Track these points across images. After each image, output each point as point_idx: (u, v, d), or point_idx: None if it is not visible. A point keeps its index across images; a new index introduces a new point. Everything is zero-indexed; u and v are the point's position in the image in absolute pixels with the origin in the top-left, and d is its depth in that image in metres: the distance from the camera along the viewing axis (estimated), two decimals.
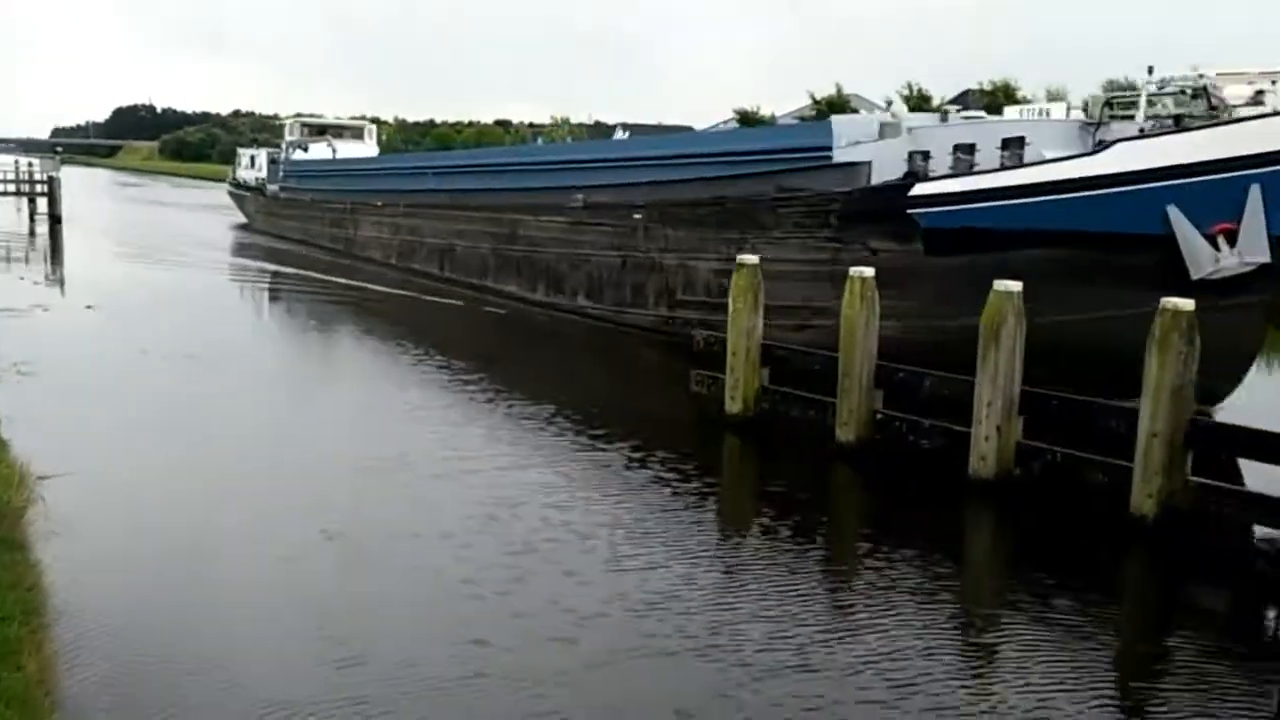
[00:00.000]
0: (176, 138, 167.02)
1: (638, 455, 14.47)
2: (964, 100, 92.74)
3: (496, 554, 10.51)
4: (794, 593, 9.87)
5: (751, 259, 15.98)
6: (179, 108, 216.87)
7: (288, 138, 54.94)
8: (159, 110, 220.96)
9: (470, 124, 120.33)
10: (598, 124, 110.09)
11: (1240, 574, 10.88)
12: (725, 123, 25.53)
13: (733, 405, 15.82)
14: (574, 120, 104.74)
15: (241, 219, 59.57)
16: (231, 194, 62.77)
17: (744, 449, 15.59)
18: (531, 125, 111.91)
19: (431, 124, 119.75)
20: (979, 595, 10.50)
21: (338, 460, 13.92)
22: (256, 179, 56.72)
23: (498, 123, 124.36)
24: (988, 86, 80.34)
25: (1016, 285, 12.67)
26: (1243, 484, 12.21)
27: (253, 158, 59.30)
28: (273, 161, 54.78)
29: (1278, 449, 10.81)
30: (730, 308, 15.89)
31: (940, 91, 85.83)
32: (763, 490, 14.13)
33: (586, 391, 19.37)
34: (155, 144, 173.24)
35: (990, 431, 12.59)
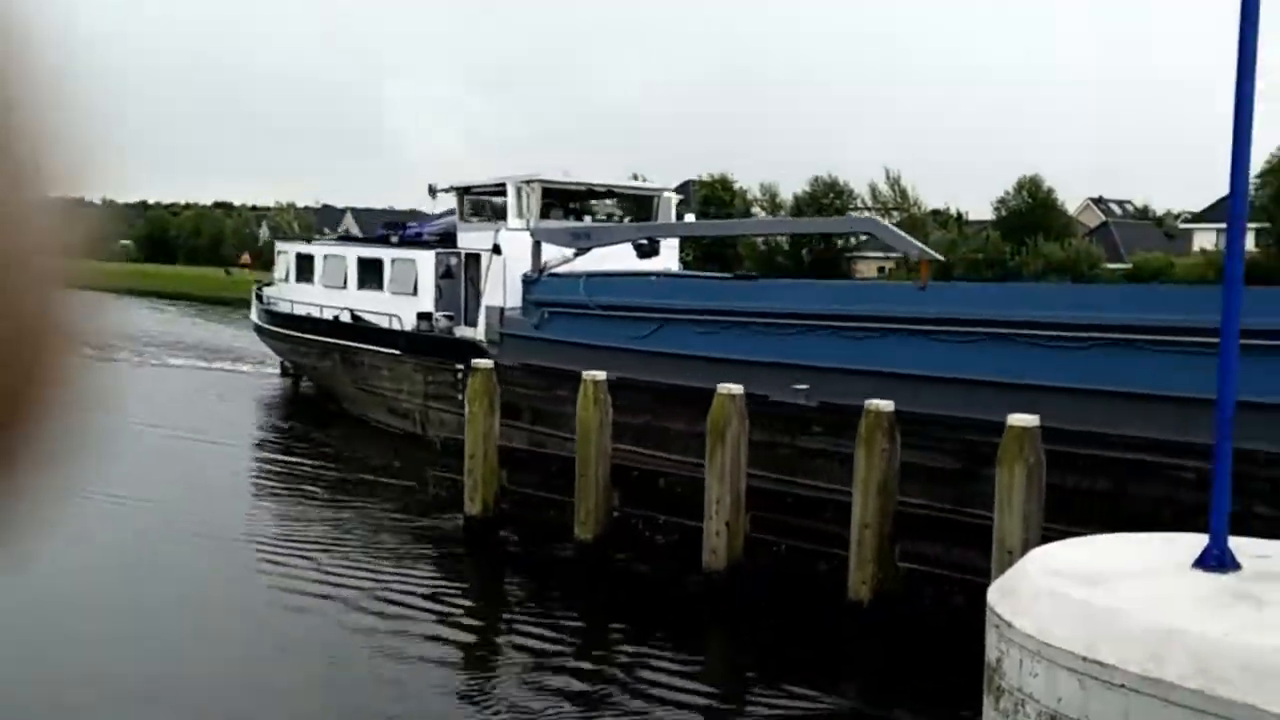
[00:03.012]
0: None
1: (375, 559, 14.23)
2: (685, 190, 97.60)
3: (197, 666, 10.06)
4: (526, 687, 9.97)
5: (486, 363, 16.17)
6: None
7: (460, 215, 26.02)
8: None
9: (188, 206, 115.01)
10: (325, 207, 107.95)
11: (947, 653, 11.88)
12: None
13: (472, 507, 15.84)
14: (299, 204, 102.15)
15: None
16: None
17: (481, 551, 15.60)
18: (255, 208, 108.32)
19: (145, 205, 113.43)
20: (713, 678, 10.98)
21: None
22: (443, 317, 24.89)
23: (217, 205, 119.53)
24: (707, 178, 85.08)
25: (739, 388, 13.46)
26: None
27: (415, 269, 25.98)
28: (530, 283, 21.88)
29: (975, 533, 11.85)
30: (467, 411, 15.98)
31: (665, 182, 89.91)
32: (495, 591, 14.21)
33: (331, 494, 18.86)
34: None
35: (720, 526, 13.22)
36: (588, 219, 25.56)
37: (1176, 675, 5.75)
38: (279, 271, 32.41)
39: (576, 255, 20.50)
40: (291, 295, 30.16)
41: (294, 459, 22.52)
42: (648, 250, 20.44)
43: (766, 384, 14.56)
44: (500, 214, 24.84)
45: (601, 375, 14.96)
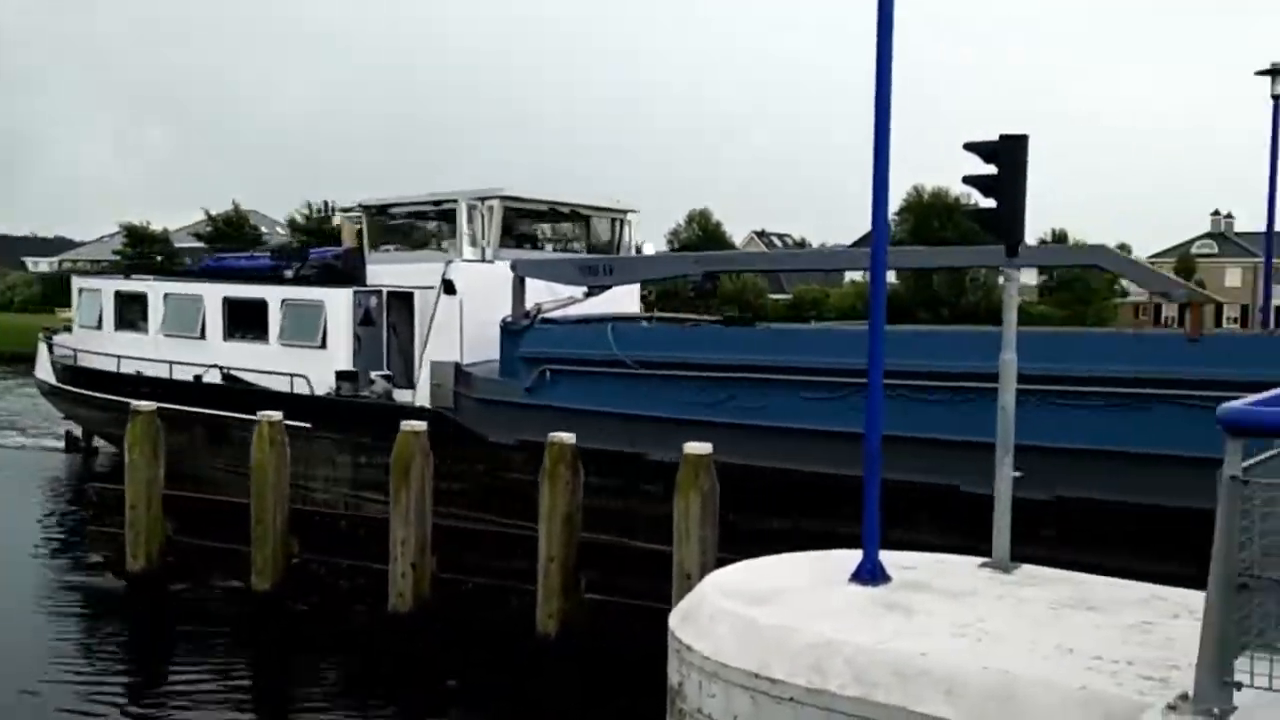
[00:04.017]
0: None
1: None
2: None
3: None
4: None
5: (148, 406, 15.03)
6: None
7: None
8: None
9: None
10: None
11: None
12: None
13: (135, 562, 14.63)
14: None
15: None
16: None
17: (142, 611, 14.39)
18: None
19: None
20: None
21: None
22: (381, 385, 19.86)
23: None
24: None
25: (422, 425, 13.25)
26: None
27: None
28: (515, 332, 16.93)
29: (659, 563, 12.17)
30: (126, 459, 14.77)
31: (343, 201, 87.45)
32: (152, 654, 13.22)
33: None
34: None
35: (406, 568, 12.92)
36: (549, 247, 21.08)
37: (837, 685, 6.17)
38: (82, 315, 25.73)
39: (587, 295, 16.55)
40: (106, 346, 23.57)
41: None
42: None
43: (959, 473, 11.57)
44: (425, 241, 20.69)
45: (277, 416, 14.27)
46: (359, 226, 21.20)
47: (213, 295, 21.98)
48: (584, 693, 11.91)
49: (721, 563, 9.32)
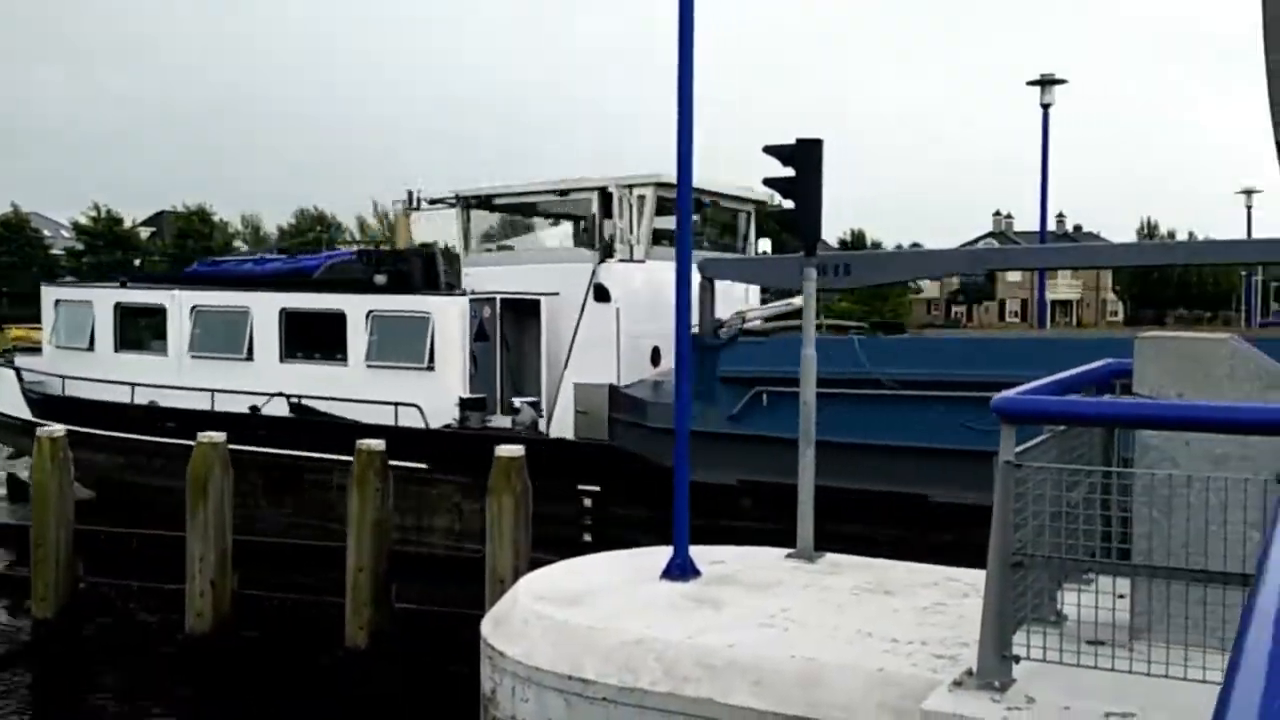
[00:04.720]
0: None
1: None
2: (158, 222, 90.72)
3: None
4: None
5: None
6: None
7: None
8: None
9: None
10: None
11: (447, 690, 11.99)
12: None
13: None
14: None
15: None
16: None
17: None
18: None
19: None
20: None
21: None
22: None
23: None
24: (181, 209, 79.90)
25: (220, 435, 12.69)
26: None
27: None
28: (711, 349, 13.88)
29: (473, 570, 11.98)
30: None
31: (135, 213, 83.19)
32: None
33: None
34: None
35: (205, 586, 12.33)
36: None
37: (649, 682, 6.24)
38: (62, 333, 20.47)
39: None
40: (105, 371, 18.58)
41: None
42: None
43: None
44: (526, 236, 17.33)
45: (60, 430, 13.38)
46: (414, 221, 18.63)
47: (265, 307, 17.40)
48: (395, 705, 11.67)
49: (535, 565, 9.30)
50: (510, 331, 16.35)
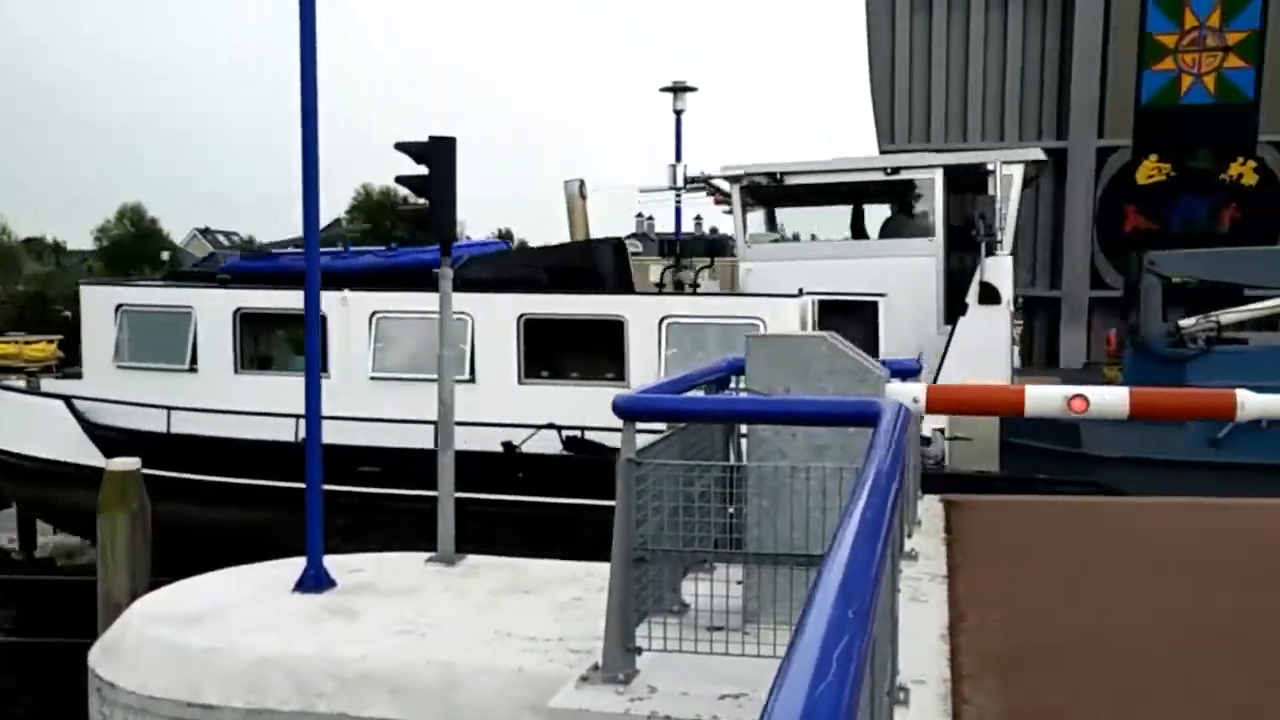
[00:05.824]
0: None
1: None
2: None
3: None
4: None
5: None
6: None
7: None
8: None
9: None
10: None
11: None
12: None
13: None
14: None
15: None
16: None
17: None
18: None
19: None
20: None
21: None
22: None
23: None
24: None
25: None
26: None
27: None
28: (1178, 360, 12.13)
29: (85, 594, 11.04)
30: None
31: None
32: None
33: None
34: None
35: None
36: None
37: (278, 701, 5.94)
38: (130, 349, 15.11)
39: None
40: (221, 398, 13.86)
41: None
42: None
43: None
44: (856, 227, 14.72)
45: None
46: (582, 204, 15.62)
47: (496, 312, 13.53)
48: None
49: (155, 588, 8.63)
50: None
